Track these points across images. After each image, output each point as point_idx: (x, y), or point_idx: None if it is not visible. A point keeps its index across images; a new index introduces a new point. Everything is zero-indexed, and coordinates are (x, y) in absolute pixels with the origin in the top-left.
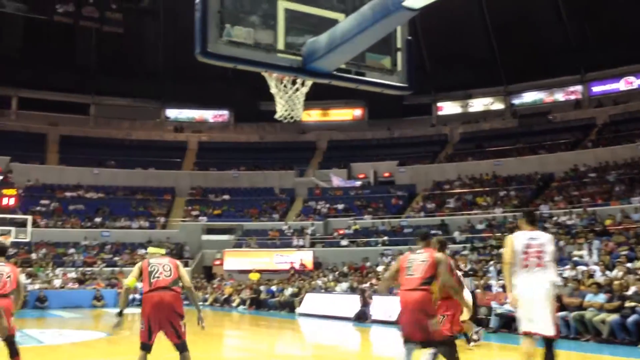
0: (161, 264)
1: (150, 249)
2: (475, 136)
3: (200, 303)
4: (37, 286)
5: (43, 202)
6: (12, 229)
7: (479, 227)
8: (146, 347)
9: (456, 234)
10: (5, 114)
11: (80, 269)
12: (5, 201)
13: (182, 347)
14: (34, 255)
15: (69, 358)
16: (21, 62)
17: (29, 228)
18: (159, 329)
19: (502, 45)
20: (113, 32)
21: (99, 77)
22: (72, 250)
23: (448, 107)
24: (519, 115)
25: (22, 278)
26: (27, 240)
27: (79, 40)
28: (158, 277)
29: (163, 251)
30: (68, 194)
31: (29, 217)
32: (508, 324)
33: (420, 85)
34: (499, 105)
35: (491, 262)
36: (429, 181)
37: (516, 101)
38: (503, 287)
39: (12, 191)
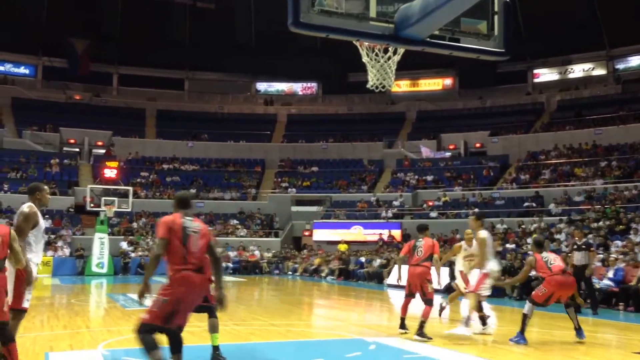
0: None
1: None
2: (574, 104)
3: (290, 273)
4: (139, 253)
5: (142, 174)
6: (115, 199)
7: (577, 199)
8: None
9: (552, 206)
10: (107, 91)
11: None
12: (108, 173)
13: (209, 311)
14: (134, 225)
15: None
16: (121, 40)
17: (131, 199)
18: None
19: (605, 6)
20: (205, 7)
21: (193, 53)
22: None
23: (545, 74)
24: (622, 81)
25: (124, 245)
26: (129, 210)
27: (174, 17)
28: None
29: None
30: (165, 166)
31: (130, 189)
32: (607, 299)
33: (516, 51)
34: (600, 71)
35: (590, 236)
36: (523, 152)
37: (620, 66)
38: (603, 261)
39: (115, 163)
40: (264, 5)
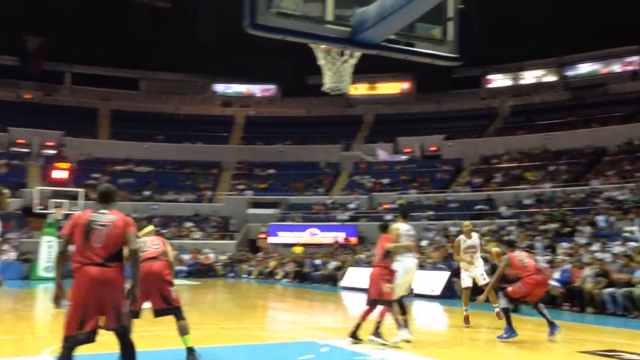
0: (149, 240)
1: (140, 232)
2: (525, 109)
3: (245, 275)
4: None
5: (94, 175)
6: (65, 201)
7: (527, 202)
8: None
9: (502, 209)
10: (60, 90)
11: None
12: (58, 174)
13: (175, 312)
14: None
15: None
16: (75, 38)
17: (81, 201)
18: (146, 297)
19: (556, 15)
20: (161, 7)
21: (149, 52)
22: None
23: (498, 80)
24: (572, 88)
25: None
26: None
27: (130, 16)
28: (147, 249)
29: (151, 228)
30: (118, 167)
31: (81, 190)
32: (553, 299)
33: (470, 56)
34: (551, 78)
35: (538, 238)
36: (477, 155)
37: (570, 73)
38: (549, 262)
39: (65, 165)
40: (223, 6)
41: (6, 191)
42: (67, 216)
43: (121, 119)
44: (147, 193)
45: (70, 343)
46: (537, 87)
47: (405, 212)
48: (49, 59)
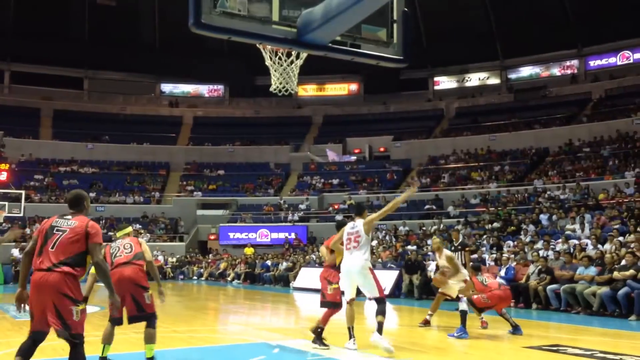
0: (122, 244)
1: (118, 233)
2: (471, 111)
3: (195, 277)
4: None
5: (37, 176)
6: (6, 203)
7: (473, 201)
8: (115, 321)
9: (450, 209)
10: None
11: None
12: None
13: (143, 318)
14: (27, 230)
15: None
16: (13, 35)
17: (23, 203)
18: (121, 304)
19: (499, 19)
20: (106, 4)
21: (93, 51)
22: None
23: (444, 82)
24: (514, 90)
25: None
26: (21, 215)
27: (72, 12)
28: (119, 255)
29: (129, 230)
30: (62, 168)
31: (23, 192)
32: None
33: (416, 59)
34: (495, 80)
35: (484, 237)
36: (424, 156)
37: (512, 76)
38: (495, 260)
39: (5, 166)
40: (170, 4)
41: None
42: (9, 219)
43: (64, 119)
44: (92, 195)
45: (30, 337)
46: (482, 89)
47: (359, 209)
48: None
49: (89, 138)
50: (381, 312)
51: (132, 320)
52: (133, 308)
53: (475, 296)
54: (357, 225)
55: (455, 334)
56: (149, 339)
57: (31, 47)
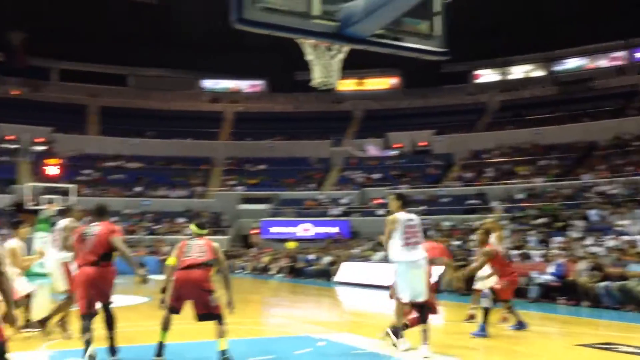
0: (198, 246)
1: (192, 227)
2: (514, 104)
3: (239, 271)
4: None
5: (85, 171)
6: (58, 197)
7: (518, 196)
8: (173, 310)
9: (494, 204)
10: (47, 86)
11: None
12: (50, 170)
13: (216, 318)
14: None
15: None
16: (61, 34)
17: (73, 197)
18: (184, 300)
19: (545, 11)
20: (147, 2)
21: (137, 48)
22: (113, 219)
23: (486, 75)
24: (560, 83)
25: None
26: None
27: (116, 11)
28: (190, 255)
29: (205, 232)
30: (109, 163)
31: (72, 186)
32: (548, 292)
33: (457, 51)
34: (539, 73)
35: (531, 232)
36: (467, 150)
37: (557, 68)
38: (543, 256)
39: (57, 161)
40: (210, 1)
41: None
42: (60, 212)
43: (110, 115)
44: (138, 189)
45: (85, 319)
46: (526, 82)
47: (408, 201)
48: (36, 54)
49: (134, 134)
50: (424, 320)
51: (200, 318)
52: (200, 308)
53: (498, 286)
54: (415, 219)
55: (478, 333)
56: (221, 334)
57: (78, 46)
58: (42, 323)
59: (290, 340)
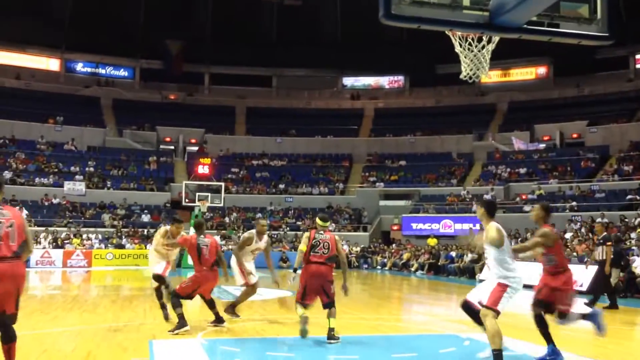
0: (323, 240)
1: (318, 221)
2: None
3: (379, 267)
4: (230, 247)
5: (233, 170)
6: (208, 194)
7: None
8: (302, 304)
9: None
10: (200, 90)
11: (267, 232)
12: (201, 169)
13: (330, 305)
14: (226, 219)
15: (262, 313)
16: (212, 40)
17: (223, 194)
18: (313, 293)
19: None
20: (292, 4)
21: (280, 50)
22: (259, 215)
23: None
24: None
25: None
26: (221, 205)
27: (261, 15)
28: (317, 252)
29: (328, 224)
30: (254, 162)
31: (222, 184)
32: None
33: (616, 35)
34: None
35: None
36: (625, 142)
37: None
38: None
39: (207, 160)
40: (350, 0)
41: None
42: (211, 209)
43: (256, 115)
44: (281, 186)
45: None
46: None
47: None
48: (189, 61)
49: (278, 132)
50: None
51: (325, 306)
52: (324, 297)
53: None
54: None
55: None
56: (332, 314)
57: (226, 51)
58: (232, 308)
59: (434, 338)
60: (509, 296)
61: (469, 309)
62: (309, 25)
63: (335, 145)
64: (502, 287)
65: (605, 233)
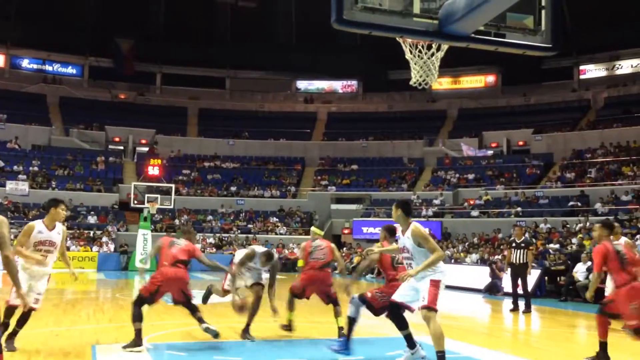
0: (320, 248)
1: (313, 229)
2: (622, 101)
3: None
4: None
5: (184, 171)
6: (158, 196)
7: (624, 198)
8: (298, 296)
9: (598, 206)
10: (151, 90)
11: (218, 234)
12: (151, 171)
13: (334, 302)
14: (176, 221)
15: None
16: (164, 40)
17: (173, 196)
18: (311, 293)
19: None
20: (247, 6)
21: (234, 51)
22: (210, 217)
23: (592, 70)
24: None
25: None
26: (171, 207)
27: (216, 16)
28: (316, 258)
29: (322, 233)
30: (206, 164)
31: (172, 186)
32: None
33: (562, 46)
34: None
35: (638, 236)
36: (568, 150)
37: None
38: None
39: (158, 161)
40: (305, 4)
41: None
42: (160, 211)
43: (208, 117)
44: (233, 189)
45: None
46: (635, 77)
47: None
48: (141, 60)
49: (231, 134)
50: None
51: (327, 303)
52: (325, 299)
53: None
54: None
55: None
56: (338, 314)
57: (179, 50)
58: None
59: (383, 341)
60: (441, 291)
61: (397, 312)
62: (263, 28)
63: (288, 148)
64: (436, 283)
65: (524, 237)
